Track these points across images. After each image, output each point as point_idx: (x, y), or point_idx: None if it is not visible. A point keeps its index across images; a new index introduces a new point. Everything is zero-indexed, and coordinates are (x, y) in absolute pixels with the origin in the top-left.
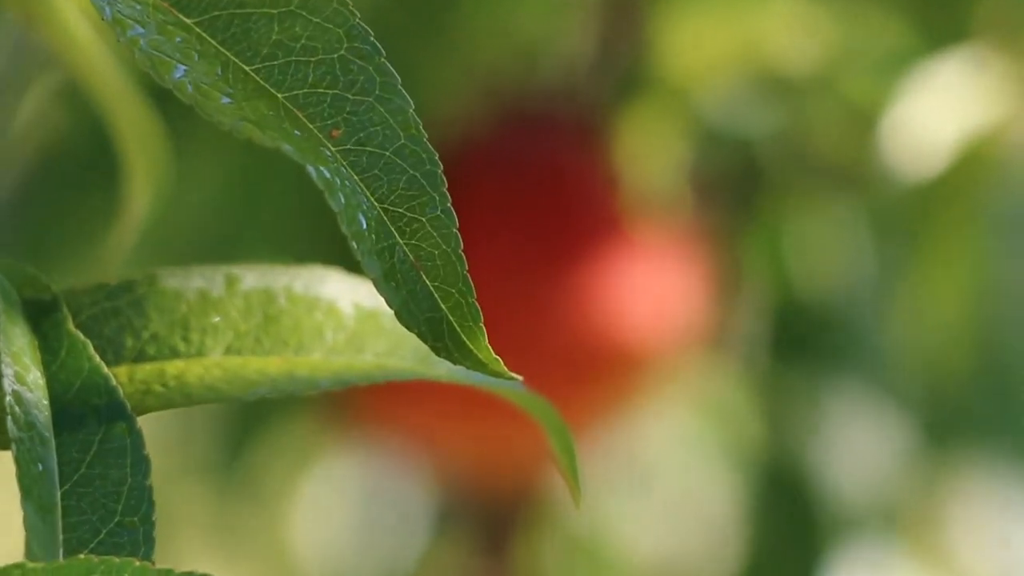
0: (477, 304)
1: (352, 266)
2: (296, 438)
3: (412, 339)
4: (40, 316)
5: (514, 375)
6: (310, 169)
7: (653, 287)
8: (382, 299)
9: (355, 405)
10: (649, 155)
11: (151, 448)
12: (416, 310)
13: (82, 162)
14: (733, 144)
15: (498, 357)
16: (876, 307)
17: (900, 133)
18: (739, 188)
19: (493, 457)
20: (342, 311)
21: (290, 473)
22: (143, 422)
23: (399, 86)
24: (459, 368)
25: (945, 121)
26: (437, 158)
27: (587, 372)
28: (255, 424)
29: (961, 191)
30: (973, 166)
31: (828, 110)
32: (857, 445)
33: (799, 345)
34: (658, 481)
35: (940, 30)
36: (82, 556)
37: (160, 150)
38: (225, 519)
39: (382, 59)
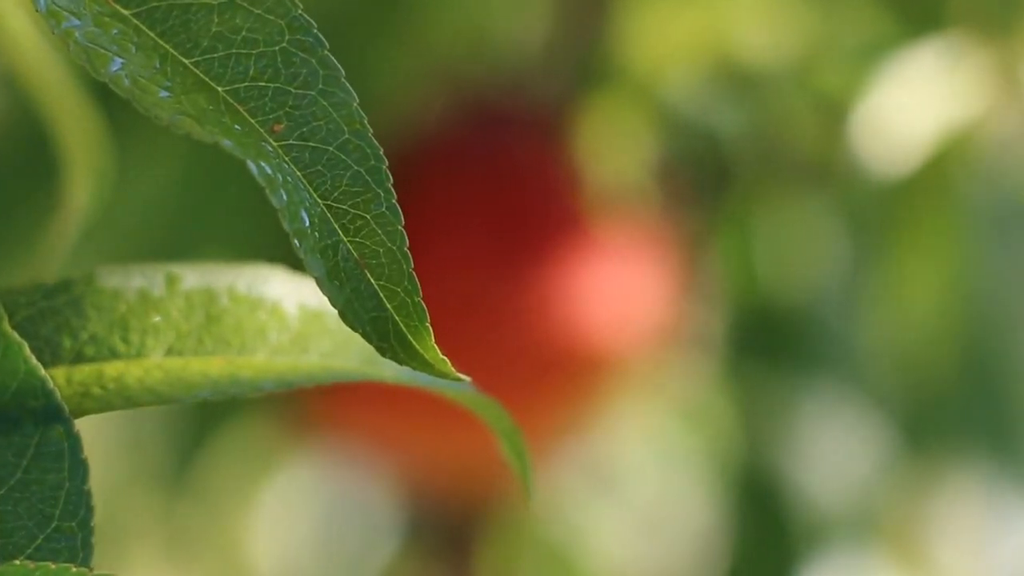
0: (423, 303)
1: (300, 265)
2: (253, 443)
3: (358, 339)
4: None
5: (461, 376)
6: (251, 165)
7: (617, 286)
8: (326, 299)
9: (314, 409)
10: (613, 149)
11: (100, 453)
12: (360, 309)
13: (20, 158)
14: (701, 138)
15: (445, 357)
16: (851, 306)
17: (874, 126)
18: (708, 184)
19: (456, 462)
20: (286, 311)
21: (246, 480)
22: (86, 425)
23: (343, 79)
24: (405, 369)
25: (920, 114)
26: (382, 153)
27: (550, 373)
28: (209, 429)
29: (937, 186)
30: (949, 160)
31: (799, 103)
32: (833, 447)
33: (771, 345)
34: (629, 486)
35: (915, 20)
36: (18, 562)
37: (100, 145)
38: (178, 527)
39: (325, 51)
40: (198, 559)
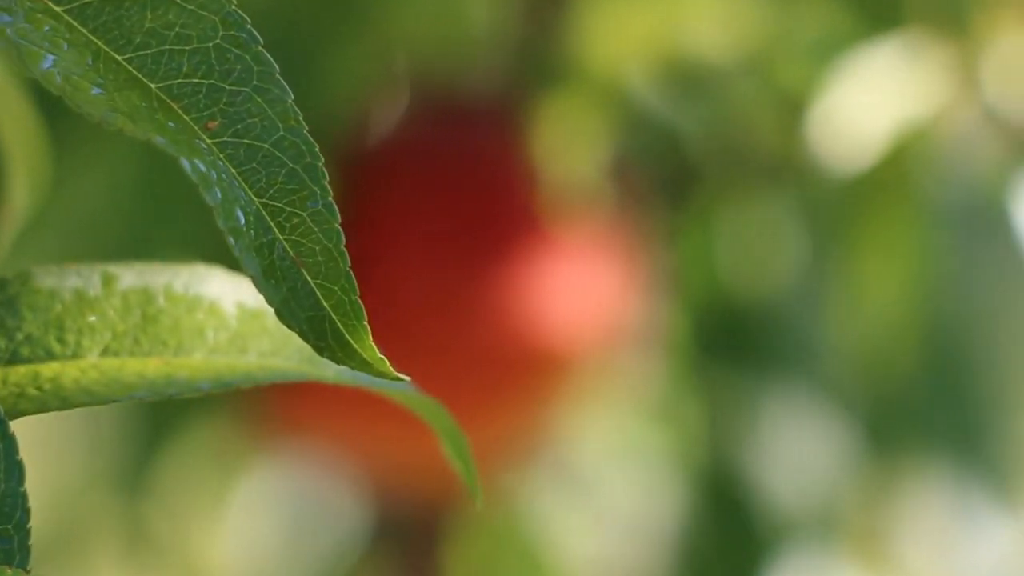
0: (360, 302)
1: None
2: (215, 445)
3: (298, 339)
4: None
5: (400, 375)
6: (184, 163)
7: (576, 285)
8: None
9: (276, 411)
10: (571, 147)
11: (57, 455)
12: (297, 308)
13: None
14: (659, 136)
15: (384, 357)
16: (813, 304)
17: (831, 123)
18: (667, 182)
19: (420, 461)
20: (224, 310)
21: (209, 482)
22: (43, 426)
23: (278, 75)
24: (345, 369)
25: (878, 111)
26: (318, 150)
27: (508, 374)
28: (170, 430)
29: (896, 183)
30: (907, 157)
31: (757, 100)
32: (797, 447)
33: (734, 344)
34: (593, 485)
35: (872, 16)
36: None
37: (40, 144)
38: (139, 530)
39: (259, 48)
40: (159, 562)
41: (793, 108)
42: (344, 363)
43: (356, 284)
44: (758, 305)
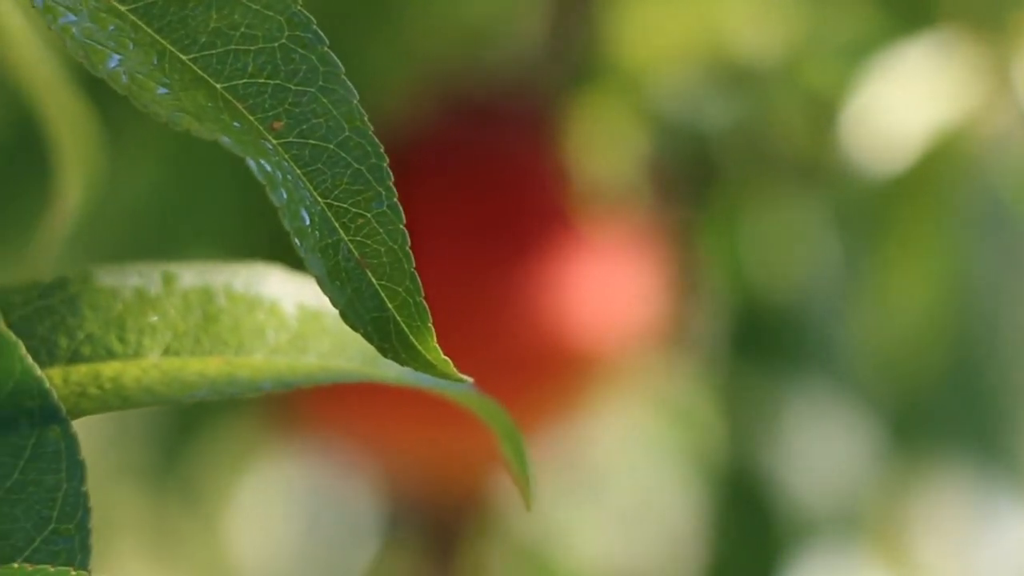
0: (425, 303)
1: (294, 263)
2: (236, 439)
3: (358, 340)
4: None
5: (463, 376)
6: (250, 163)
7: (606, 284)
8: (325, 298)
9: (298, 407)
10: (603, 147)
11: (83, 450)
12: (361, 309)
13: (12, 155)
14: (690, 136)
15: (447, 358)
16: (840, 305)
17: (864, 124)
18: (697, 181)
19: (440, 461)
20: (284, 311)
21: (230, 476)
22: (77, 424)
23: (343, 76)
24: (407, 370)
25: (910, 112)
26: (383, 151)
27: (537, 373)
28: (193, 425)
29: (929, 185)
30: (941, 159)
31: (789, 100)
32: (820, 447)
33: (759, 344)
34: (613, 486)
35: (905, 17)
36: (16, 565)
37: (93, 141)
38: (161, 524)
39: (325, 48)
40: (182, 556)
41: (824, 109)
42: (407, 364)
43: (421, 285)
44: (784, 305)
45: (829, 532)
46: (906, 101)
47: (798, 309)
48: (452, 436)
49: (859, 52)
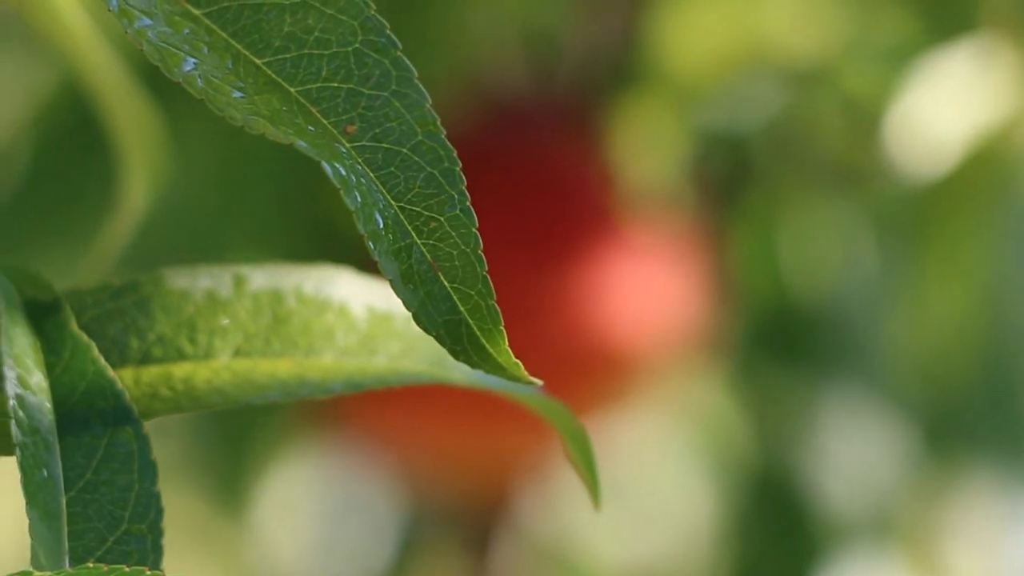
0: (497, 306)
1: (335, 262)
2: (266, 436)
3: (426, 341)
4: (42, 317)
5: (533, 379)
6: (325, 166)
7: (646, 287)
8: (394, 300)
9: (329, 406)
10: (645, 150)
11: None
12: (434, 312)
13: (78, 156)
14: (730, 138)
15: (519, 361)
16: (875, 309)
17: (905, 129)
18: (735, 184)
19: (470, 462)
20: (353, 313)
21: (259, 473)
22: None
23: (416, 80)
24: (475, 372)
25: (952, 116)
26: (455, 155)
27: (577, 375)
28: (224, 421)
29: (967, 190)
30: (980, 164)
31: (830, 104)
32: (851, 450)
33: (793, 346)
34: (643, 489)
35: (947, 22)
36: (90, 565)
37: (158, 144)
38: (190, 520)
39: (398, 52)
40: (212, 552)
41: (864, 113)
42: (479, 367)
43: (493, 289)
44: (819, 308)
45: (859, 536)
46: (946, 106)
47: (833, 312)
48: (483, 437)
49: (900, 57)
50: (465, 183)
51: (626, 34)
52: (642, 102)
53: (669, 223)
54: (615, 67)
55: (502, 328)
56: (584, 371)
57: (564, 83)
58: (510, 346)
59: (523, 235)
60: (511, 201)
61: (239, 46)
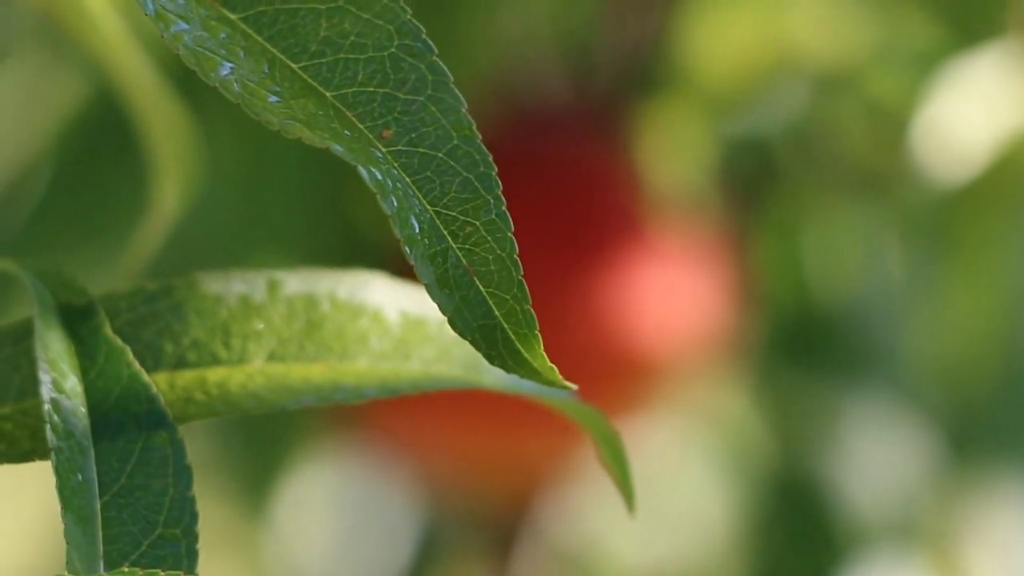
0: (532, 311)
1: (364, 267)
2: (290, 440)
3: (460, 346)
4: (77, 321)
5: (568, 384)
6: (361, 171)
7: (672, 291)
8: (427, 305)
9: (352, 410)
10: (672, 154)
11: None
12: (469, 317)
13: (111, 160)
14: (756, 142)
15: (553, 366)
16: (899, 314)
17: (931, 133)
18: (760, 188)
19: (493, 469)
20: (387, 317)
21: (282, 476)
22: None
23: (451, 84)
24: (510, 377)
25: (978, 121)
26: (491, 160)
27: (606, 377)
28: (245, 424)
29: (993, 196)
30: (1007, 169)
31: (856, 108)
32: (874, 455)
33: (816, 351)
34: (666, 494)
35: (973, 26)
36: (125, 569)
37: (190, 147)
38: (209, 521)
39: (434, 57)
40: (232, 553)
41: (892, 117)
42: (514, 371)
43: (528, 294)
44: (843, 312)
45: (882, 541)
46: (972, 111)
47: (856, 317)
48: (506, 442)
49: (925, 61)
50: (501, 188)
51: (655, 38)
52: (669, 106)
53: (695, 227)
54: (643, 71)
55: (537, 332)
56: (612, 375)
57: (593, 87)
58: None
59: (551, 239)
60: (539, 205)
61: (275, 50)
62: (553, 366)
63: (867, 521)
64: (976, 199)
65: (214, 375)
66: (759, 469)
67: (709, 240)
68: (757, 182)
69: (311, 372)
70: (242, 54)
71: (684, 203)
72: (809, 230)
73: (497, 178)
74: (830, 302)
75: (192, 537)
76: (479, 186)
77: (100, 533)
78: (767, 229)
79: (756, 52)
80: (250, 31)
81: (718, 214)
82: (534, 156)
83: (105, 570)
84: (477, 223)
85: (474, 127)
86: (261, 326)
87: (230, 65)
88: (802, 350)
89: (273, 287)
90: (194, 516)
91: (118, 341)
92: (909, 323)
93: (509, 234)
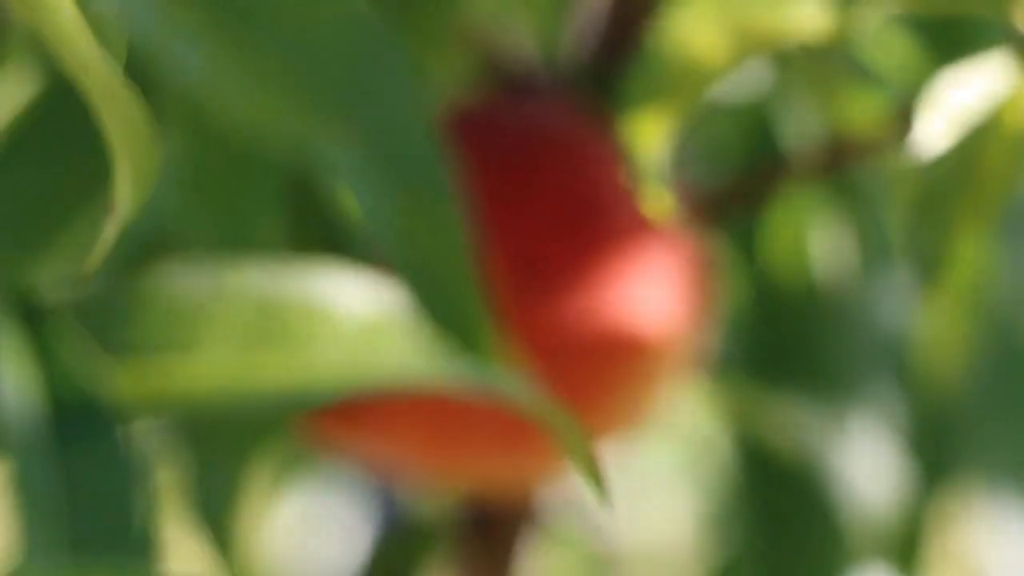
0: (491, 302)
1: (325, 259)
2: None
3: (418, 341)
4: (33, 318)
5: (525, 370)
6: (322, 158)
7: (661, 279)
8: (386, 299)
9: (320, 428)
10: (654, 139)
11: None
12: (430, 309)
13: (66, 157)
14: (748, 125)
15: (511, 356)
16: (889, 306)
17: (924, 114)
18: (731, 182)
19: (483, 479)
20: (343, 312)
21: (256, 487)
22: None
23: (415, 74)
24: (470, 370)
25: (973, 104)
26: (450, 150)
27: (601, 366)
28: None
29: (982, 184)
30: (998, 149)
31: (846, 88)
32: (861, 457)
33: (789, 347)
34: (652, 482)
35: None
36: (86, 563)
37: (149, 144)
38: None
39: (398, 46)
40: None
41: (886, 97)
42: (474, 364)
43: (486, 284)
44: (820, 307)
45: (870, 549)
46: (969, 92)
47: (835, 311)
48: (479, 461)
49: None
50: (459, 178)
51: (638, 18)
52: (653, 89)
53: (674, 216)
54: (626, 54)
55: (496, 324)
56: (606, 362)
57: (574, 72)
58: (531, 338)
59: (541, 223)
60: (529, 183)
61: (236, 35)
62: (514, 352)
63: (856, 529)
64: (963, 185)
65: (169, 371)
66: (747, 468)
67: (687, 230)
68: (729, 175)
69: (266, 366)
70: (204, 40)
71: (666, 192)
72: (788, 218)
73: (457, 169)
74: (807, 293)
75: (152, 530)
76: (438, 176)
77: (58, 529)
78: (740, 220)
79: (744, 32)
80: (214, 16)
81: (698, 203)
82: (526, 139)
83: (65, 564)
84: (437, 214)
85: (436, 118)
86: (216, 322)
87: (192, 53)
88: (773, 345)
89: (226, 282)
90: (155, 510)
91: (74, 338)
92: (898, 316)
93: (468, 225)
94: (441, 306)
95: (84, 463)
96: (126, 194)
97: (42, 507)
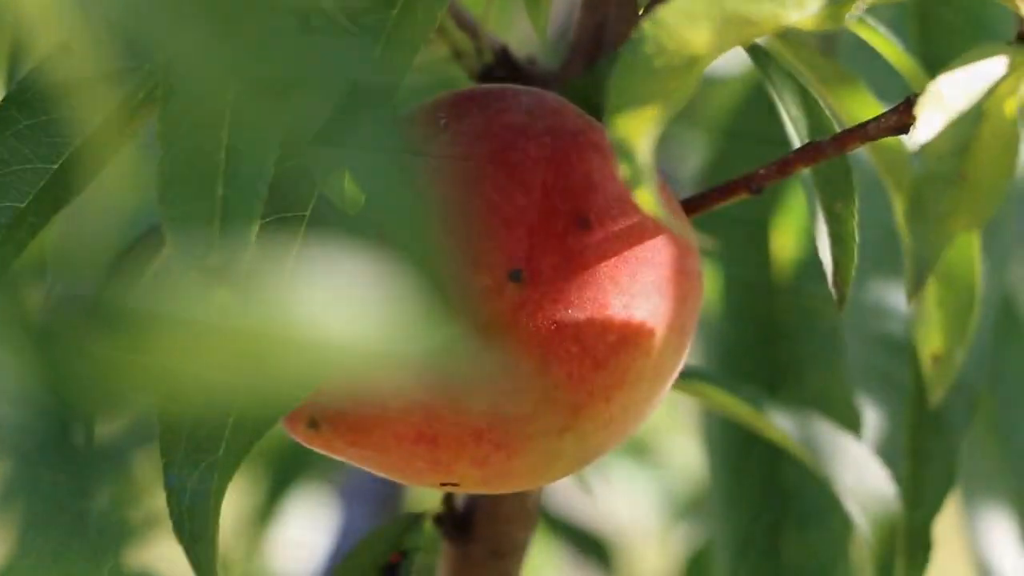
0: (451, 277)
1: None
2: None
3: (379, 321)
4: (29, 315)
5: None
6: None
7: (662, 267)
8: (343, 286)
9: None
10: (644, 131)
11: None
12: (397, 288)
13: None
14: (750, 113)
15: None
16: (889, 305)
17: (923, 103)
18: (718, 171)
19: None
20: (306, 301)
21: (259, 500)
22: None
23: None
24: (429, 348)
25: (971, 95)
26: (411, 134)
27: (599, 367)
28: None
29: (981, 178)
30: (993, 143)
31: (837, 84)
32: (858, 458)
33: (781, 345)
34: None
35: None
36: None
37: (129, 137)
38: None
39: (354, 38)
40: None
41: (882, 84)
42: (434, 340)
43: (448, 262)
44: (807, 301)
45: (861, 554)
46: (967, 83)
47: (832, 310)
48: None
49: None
50: (420, 159)
51: (627, 8)
52: (642, 80)
53: (663, 212)
54: (616, 45)
55: (460, 306)
56: (610, 357)
57: (565, 61)
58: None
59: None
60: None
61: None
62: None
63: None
64: (963, 178)
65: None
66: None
67: (679, 218)
68: (716, 164)
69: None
70: (183, 28)
71: (656, 183)
72: (781, 210)
73: (416, 149)
74: (796, 288)
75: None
76: (401, 157)
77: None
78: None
79: (734, 22)
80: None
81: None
82: (512, 127)
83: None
84: (401, 192)
85: (400, 102)
86: (179, 319)
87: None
88: (764, 338)
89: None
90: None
91: (67, 337)
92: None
93: (432, 208)
94: (403, 289)
95: (80, 463)
96: (108, 191)
97: (37, 509)
